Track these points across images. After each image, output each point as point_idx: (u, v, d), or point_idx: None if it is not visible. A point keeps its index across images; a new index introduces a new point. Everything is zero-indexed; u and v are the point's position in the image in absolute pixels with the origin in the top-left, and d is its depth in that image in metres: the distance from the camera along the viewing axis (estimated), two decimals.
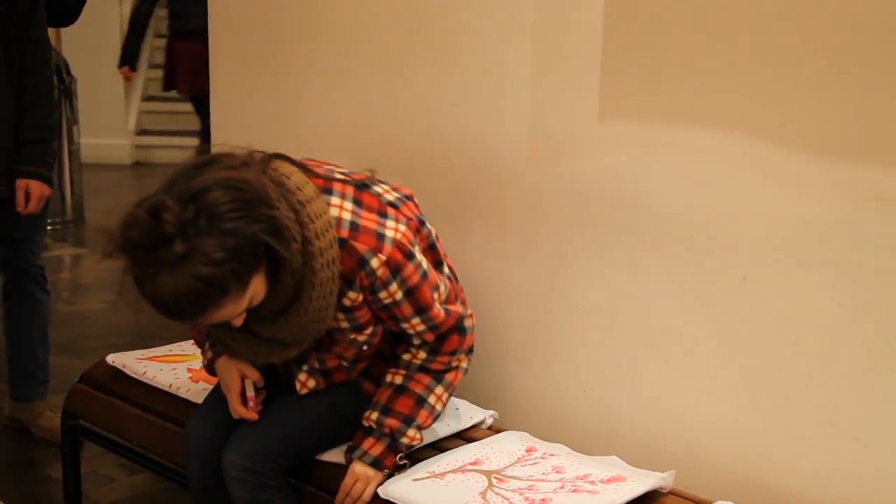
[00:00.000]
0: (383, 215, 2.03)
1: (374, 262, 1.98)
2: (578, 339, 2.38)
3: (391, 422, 2.10)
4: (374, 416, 2.11)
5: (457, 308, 2.15)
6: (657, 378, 2.26)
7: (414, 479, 2.09)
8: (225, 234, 1.74)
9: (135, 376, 2.57)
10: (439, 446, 2.27)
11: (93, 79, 7.19)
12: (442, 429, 2.30)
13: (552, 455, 2.20)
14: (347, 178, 2.06)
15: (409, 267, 2.02)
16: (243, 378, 2.16)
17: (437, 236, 2.20)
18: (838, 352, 2.00)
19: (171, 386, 2.49)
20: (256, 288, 1.84)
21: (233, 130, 3.09)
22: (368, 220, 2.00)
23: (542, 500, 2.00)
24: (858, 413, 1.99)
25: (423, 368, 2.13)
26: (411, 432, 2.11)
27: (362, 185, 2.06)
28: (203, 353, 2.26)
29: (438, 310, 2.10)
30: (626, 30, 2.20)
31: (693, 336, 2.19)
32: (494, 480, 2.08)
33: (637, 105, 2.21)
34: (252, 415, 2.13)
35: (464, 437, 2.33)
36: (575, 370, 2.39)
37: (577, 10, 2.25)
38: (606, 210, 2.28)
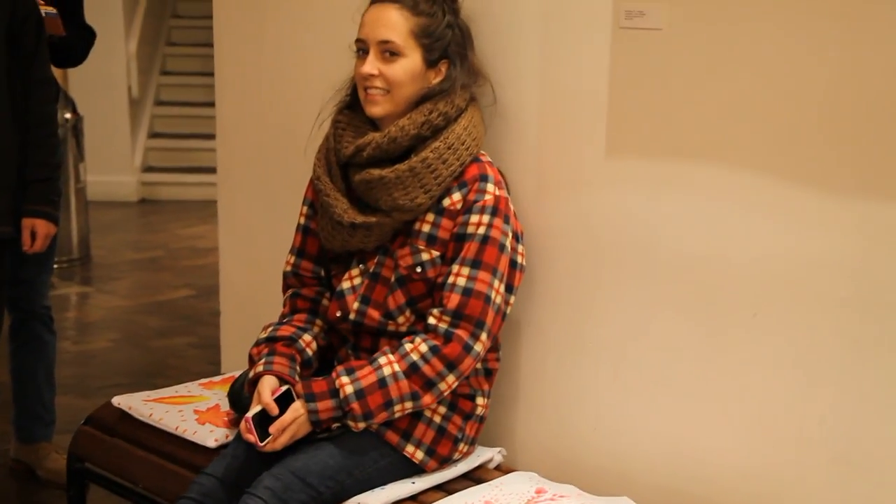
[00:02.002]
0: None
1: (490, 187, 2.21)
2: (588, 376, 2.36)
3: (355, 406, 2.14)
4: (348, 390, 2.14)
5: (487, 330, 2.17)
6: (669, 417, 2.24)
7: None
8: (443, 14, 2.22)
9: (141, 418, 2.56)
10: (447, 488, 2.25)
11: (98, 116, 7.21)
12: (450, 470, 2.29)
13: (562, 497, 2.18)
14: None
15: (501, 223, 2.20)
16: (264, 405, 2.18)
17: (521, 268, 2.29)
18: (852, 390, 1.99)
19: (177, 428, 2.48)
20: (415, 58, 2.20)
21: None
22: (500, 177, 2.27)
23: None
24: (873, 452, 1.97)
25: (413, 368, 2.14)
26: (361, 424, 2.16)
27: None
28: (255, 366, 2.28)
29: (485, 283, 2.16)
30: (632, 66, 2.20)
31: (704, 374, 2.18)
32: None
33: (644, 141, 2.20)
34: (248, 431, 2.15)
35: (472, 477, 2.31)
36: (585, 408, 2.37)
37: (583, 46, 2.26)
38: (616, 246, 2.27)
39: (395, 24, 2.19)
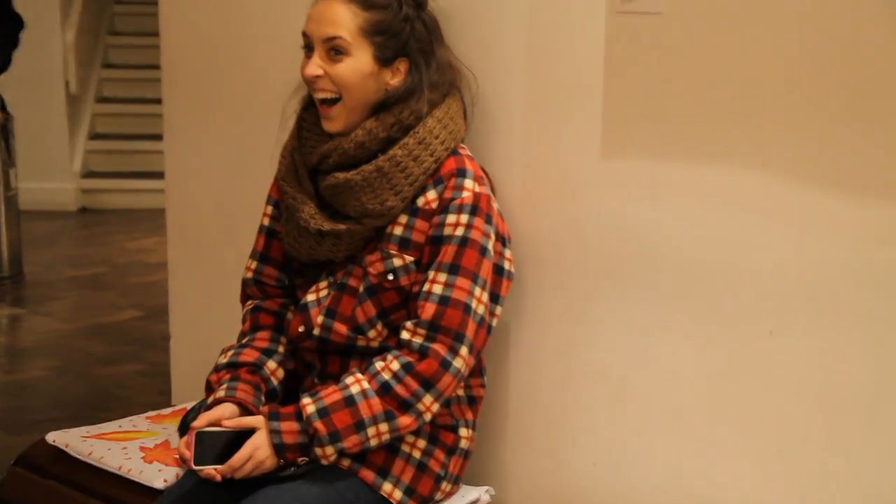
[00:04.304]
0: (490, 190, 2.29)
1: (468, 183, 2.22)
2: (586, 405, 2.37)
3: (319, 425, 2.14)
4: (310, 409, 2.15)
5: (468, 344, 2.17)
6: (676, 450, 2.25)
7: None
8: (399, 6, 2.23)
9: (79, 457, 2.55)
10: None
11: (32, 115, 7.19)
12: None
13: None
14: None
15: (483, 223, 2.21)
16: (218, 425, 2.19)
17: (509, 275, 2.30)
18: (881, 418, 2.00)
19: (120, 468, 2.47)
20: (363, 57, 2.20)
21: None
22: (481, 171, 2.28)
23: None
24: None
25: (385, 388, 2.15)
26: (329, 450, 2.15)
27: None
28: (214, 393, 2.30)
29: (464, 290, 2.17)
30: (630, 56, 2.22)
31: (716, 401, 2.19)
32: None
33: (644, 140, 2.22)
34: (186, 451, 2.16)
35: None
36: (582, 441, 2.38)
37: (574, 34, 2.28)
38: (614, 259, 2.29)
39: (342, 20, 2.20)
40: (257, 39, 2.86)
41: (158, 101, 3.32)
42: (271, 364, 2.35)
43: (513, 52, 2.36)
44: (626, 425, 2.32)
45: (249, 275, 2.45)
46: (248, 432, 2.17)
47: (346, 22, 2.20)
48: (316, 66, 2.22)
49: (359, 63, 2.21)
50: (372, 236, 2.25)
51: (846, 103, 1.98)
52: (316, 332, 2.28)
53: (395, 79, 2.24)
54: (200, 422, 2.19)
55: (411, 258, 2.22)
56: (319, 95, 2.24)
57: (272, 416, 2.17)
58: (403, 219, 2.23)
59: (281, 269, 2.42)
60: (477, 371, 2.33)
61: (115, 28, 8.79)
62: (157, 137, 3.65)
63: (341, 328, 2.26)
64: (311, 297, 2.31)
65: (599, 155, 2.27)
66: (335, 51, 2.21)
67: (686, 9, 2.13)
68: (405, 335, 2.19)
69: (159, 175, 3.52)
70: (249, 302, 2.45)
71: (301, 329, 2.30)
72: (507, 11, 2.36)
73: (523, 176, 2.38)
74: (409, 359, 2.16)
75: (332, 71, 2.21)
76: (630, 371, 2.30)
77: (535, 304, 2.41)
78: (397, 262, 2.23)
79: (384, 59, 2.23)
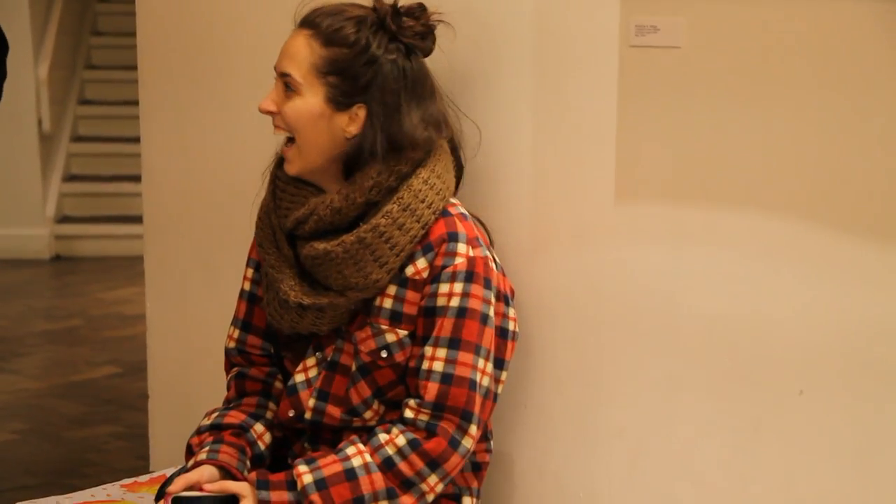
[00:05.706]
0: (488, 249, 2.26)
1: (461, 248, 2.19)
2: (600, 470, 2.36)
3: (316, 499, 2.12)
4: (307, 479, 2.13)
5: (476, 421, 2.17)
6: None
7: None
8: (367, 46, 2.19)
9: None
10: None
11: (2, 156, 7.21)
12: None
13: None
14: None
15: (481, 290, 2.19)
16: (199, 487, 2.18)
17: (513, 336, 2.30)
18: None
19: None
20: (312, 98, 2.18)
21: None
22: (475, 231, 2.24)
23: None
24: None
25: (388, 464, 2.14)
26: None
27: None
28: (195, 456, 2.28)
29: (468, 366, 2.16)
30: (645, 92, 2.23)
31: (741, 465, 2.18)
32: None
33: (661, 184, 2.23)
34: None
35: None
36: None
37: (584, 70, 2.29)
38: (630, 311, 2.29)
39: (297, 56, 2.20)
40: (241, 78, 2.87)
41: (138, 141, 3.33)
42: (258, 427, 2.34)
43: (518, 88, 2.37)
44: (644, 491, 2.31)
45: (232, 344, 2.44)
46: (231, 499, 2.16)
47: (299, 58, 2.20)
48: (269, 101, 2.23)
49: (307, 104, 2.20)
50: (359, 308, 2.25)
51: (885, 147, 1.99)
52: (307, 416, 2.28)
53: (352, 125, 2.21)
54: (177, 486, 2.18)
55: (405, 332, 2.22)
56: (276, 133, 2.26)
57: (261, 485, 2.15)
58: (392, 290, 2.22)
59: (265, 337, 2.41)
60: (482, 436, 2.32)
61: (91, 61, 8.82)
62: (137, 179, 3.66)
63: (335, 411, 2.25)
64: (299, 378, 2.30)
65: (613, 198, 2.28)
66: (287, 87, 2.22)
67: (708, 43, 2.14)
68: (409, 413, 2.18)
69: (139, 220, 3.53)
70: (234, 369, 2.44)
71: (291, 414, 2.30)
72: (510, 44, 2.37)
73: (530, 222, 2.39)
74: (415, 436, 2.16)
75: (283, 109, 2.22)
76: (647, 433, 2.29)
77: (545, 362, 2.40)
78: (390, 337, 2.22)
79: (338, 103, 2.20)
